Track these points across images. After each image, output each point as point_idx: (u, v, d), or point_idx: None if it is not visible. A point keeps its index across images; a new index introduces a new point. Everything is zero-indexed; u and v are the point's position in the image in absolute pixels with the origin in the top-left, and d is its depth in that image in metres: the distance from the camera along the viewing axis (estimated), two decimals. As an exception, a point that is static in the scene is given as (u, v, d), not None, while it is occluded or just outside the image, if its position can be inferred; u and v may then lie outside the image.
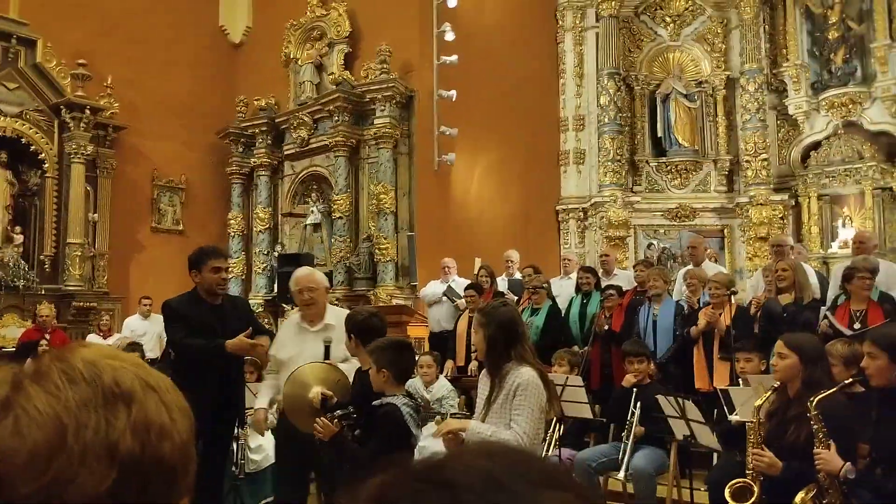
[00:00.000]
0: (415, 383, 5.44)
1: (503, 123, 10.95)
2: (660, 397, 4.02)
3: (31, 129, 9.41)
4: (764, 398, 3.14)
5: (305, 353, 3.69)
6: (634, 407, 4.38)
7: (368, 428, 3.03)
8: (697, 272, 6.20)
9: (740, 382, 4.10)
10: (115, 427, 0.62)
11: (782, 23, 11.48)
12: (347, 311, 4.01)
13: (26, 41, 9.50)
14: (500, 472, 0.52)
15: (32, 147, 9.42)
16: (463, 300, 7.38)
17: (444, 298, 7.77)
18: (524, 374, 2.77)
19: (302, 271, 4.07)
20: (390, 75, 9.51)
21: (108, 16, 10.56)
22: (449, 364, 6.87)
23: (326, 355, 3.60)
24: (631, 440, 4.29)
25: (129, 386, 0.65)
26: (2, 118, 9.18)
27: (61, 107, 9.55)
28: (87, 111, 9.62)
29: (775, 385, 3.19)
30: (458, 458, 0.55)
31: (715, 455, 4.23)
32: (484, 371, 3.06)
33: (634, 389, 4.49)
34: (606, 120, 11.53)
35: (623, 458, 4.28)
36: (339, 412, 3.02)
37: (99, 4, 10.47)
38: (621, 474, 4.27)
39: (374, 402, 3.04)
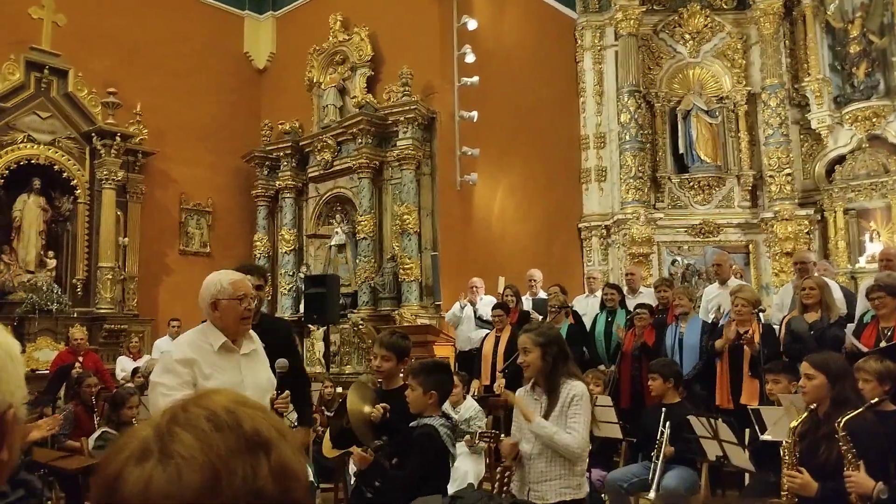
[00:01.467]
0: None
1: (524, 143, 11.03)
2: (691, 418, 4.02)
3: (63, 156, 9.64)
4: (801, 419, 3.13)
5: (247, 381, 2.92)
6: (664, 426, 4.38)
7: (405, 450, 3.09)
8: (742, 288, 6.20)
9: (774, 402, 4.09)
10: (258, 474, 0.67)
11: (803, 38, 11.47)
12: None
13: (58, 71, 9.76)
14: None
15: (65, 174, 9.64)
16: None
17: (463, 318, 7.83)
18: (578, 387, 3.08)
19: (234, 274, 3.06)
20: (412, 97, 9.64)
21: (136, 45, 10.83)
22: (475, 384, 6.89)
23: (282, 387, 3.10)
24: (661, 459, 4.28)
25: (266, 434, 0.70)
26: (35, 146, 9.42)
27: (92, 134, 9.79)
28: (118, 138, 9.85)
29: (811, 407, 3.18)
30: None
31: (746, 475, 4.21)
32: (525, 390, 3.22)
33: (663, 409, 4.49)
34: (627, 137, 11.56)
35: (653, 478, 4.27)
36: (376, 442, 3.08)
37: (127, 34, 10.75)
38: (652, 494, 4.26)
39: (420, 422, 3.11)
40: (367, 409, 3.28)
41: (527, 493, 3.07)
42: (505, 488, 3.19)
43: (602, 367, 6.37)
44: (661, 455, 4.30)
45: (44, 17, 9.72)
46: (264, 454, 0.69)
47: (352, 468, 5.06)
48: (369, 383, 4.76)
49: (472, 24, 9.97)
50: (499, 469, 3.26)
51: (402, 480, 3.01)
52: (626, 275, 7.98)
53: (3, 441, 0.94)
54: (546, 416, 3.05)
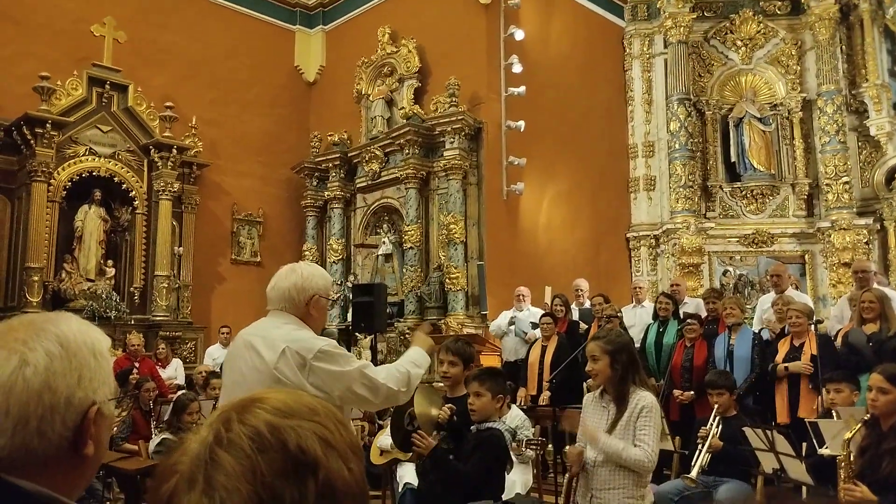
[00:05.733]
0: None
1: (572, 152, 10.97)
2: (747, 429, 3.93)
3: (123, 168, 9.98)
4: (854, 431, 3.05)
5: None
6: (713, 420, 4.36)
7: (470, 448, 3.11)
8: (787, 298, 6.07)
9: (834, 415, 3.97)
10: (306, 497, 0.66)
11: (860, 43, 11.16)
12: None
13: (119, 86, 10.11)
14: None
15: (124, 185, 9.97)
16: (534, 332, 7.39)
17: (511, 331, 7.82)
18: (647, 398, 3.01)
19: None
20: (459, 108, 9.69)
21: (191, 60, 11.19)
22: (521, 392, 6.86)
23: None
24: (706, 446, 4.25)
25: (312, 451, 0.68)
26: (97, 159, 9.77)
27: (150, 147, 10.10)
28: (174, 151, 10.15)
29: (866, 418, 3.09)
30: None
31: (804, 489, 4.09)
32: (592, 397, 3.22)
33: (717, 418, 4.42)
34: (677, 146, 11.39)
35: (695, 461, 4.22)
36: (437, 434, 3.12)
37: (183, 50, 11.11)
38: (693, 473, 4.20)
39: (482, 426, 3.14)
40: (434, 411, 3.28)
41: (589, 500, 3.04)
42: (571, 497, 3.15)
43: (652, 381, 6.27)
44: (708, 444, 4.27)
45: (105, 34, 10.11)
46: (311, 474, 0.67)
47: (399, 475, 5.09)
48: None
49: (519, 35, 9.99)
50: (566, 477, 3.23)
51: (464, 474, 3.02)
52: (672, 286, 7.85)
53: (87, 437, 0.97)
54: (613, 426, 3.01)
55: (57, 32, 9.86)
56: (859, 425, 3.07)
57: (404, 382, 2.58)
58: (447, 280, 9.55)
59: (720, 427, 4.40)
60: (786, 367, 5.39)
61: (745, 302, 9.53)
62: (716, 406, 4.55)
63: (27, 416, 0.93)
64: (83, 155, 9.70)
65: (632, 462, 2.92)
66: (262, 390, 0.77)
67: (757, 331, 6.29)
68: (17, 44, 9.52)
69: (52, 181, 9.28)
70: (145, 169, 10.21)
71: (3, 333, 0.97)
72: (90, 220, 9.81)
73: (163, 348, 9.15)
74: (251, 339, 2.51)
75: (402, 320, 9.75)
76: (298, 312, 2.52)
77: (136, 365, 7.83)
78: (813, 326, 5.41)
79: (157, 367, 8.57)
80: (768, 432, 3.75)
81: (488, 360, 8.13)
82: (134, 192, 10.03)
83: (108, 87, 9.98)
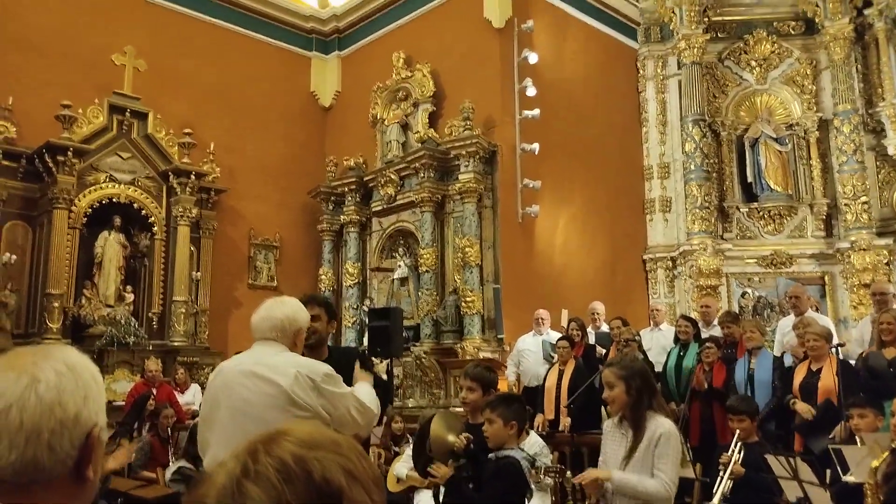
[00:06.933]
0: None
1: (587, 174, 10.98)
2: (769, 457, 3.86)
3: (142, 194, 10.10)
4: (882, 459, 2.99)
5: None
6: (735, 446, 4.30)
7: (487, 477, 3.08)
8: (808, 321, 5.99)
9: (857, 441, 3.89)
10: None
11: (876, 62, 11.12)
12: None
13: (138, 114, 10.27)
14: None
15: (143, 211, 10.09)
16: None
17: (528, 356, 7.79)
18: (665, 424, 2.93)
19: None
20: (473, 131, 9.73)
21: (209, 87, 11.35)
22: (539, 418, 6.80)
23: None
24: (728, 472, 4.18)
25: (337, 482, 0.70)
26: (117, 185, 9.90)
27: (169, 173, 10.22)
28: (192, 177, 10.26)
29: (894, 445, 3.03)
30: None
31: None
32: (612, 424, 3.16)
33: (739, 444, 4.35)
34: (692, 167, 11.36)
35: (716, 488, 4.15)
36: (454, 463, 3.09)
37: (201, 77, 11.28)
38: (715, 500, 4.13)
39: (500, 454, 3.11)
40: (451, 437, 3.24)
41: None
42: None
43: (672, 405, 6.18)
44: (729, 470, 4.20)
45: (126, 63, 10.29)
46: None
47: (416, 502, 5.05)
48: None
49: (532, 58, 10.06)
50: None
51: (479, 502, 3.00)
52: (701, 307, 7.77)
53: (90, 460, 1.00)
54: (631, 452, 2.96)
55: (79, 62, 10.06)
56: (886, 454, 3.01)
57: (375, 407, 2.77)
58: (463, 303, 9.53)
59: (742, 453, 4.33)
60: (793, 404, 5.35)
61: (764, 324, 9.44)
62: (737, 432, 4.49)
63: (39, 430, 0.95)
64: (103, 182, 9.84)
65: (649, 495, 2.86)
66: (286, 423, 0.78)
67: (779, 354, 6.21)
68: (39, 73, 9.71)
69: (73, 208, 9.40)
70: (164, 195, 10.33)
71: (10, 358, 1.02)
72: (110, 246, 9.91)
73: (181, 374, 9.16)
74: (251, 367, 2.57)
75: (417, 344, 9.73)
76: (287, 342, 2.65)
77: (154, 391, 7.85)
78: (834, 350, 5.33)
79: (176, 393, 8.58)
80: (791, 460, 3.68)
81: (505, 385, 8.09)
82: (153, 218, 10.14)
83: (128, 114, 10.14)
